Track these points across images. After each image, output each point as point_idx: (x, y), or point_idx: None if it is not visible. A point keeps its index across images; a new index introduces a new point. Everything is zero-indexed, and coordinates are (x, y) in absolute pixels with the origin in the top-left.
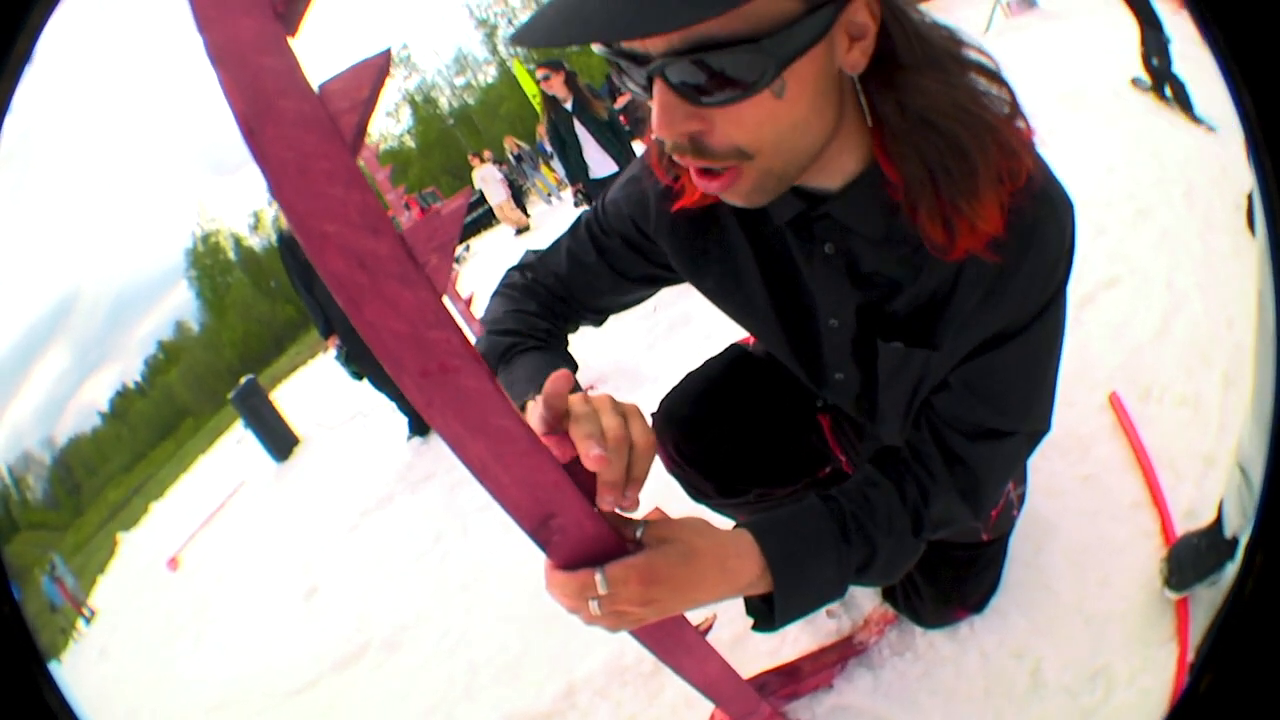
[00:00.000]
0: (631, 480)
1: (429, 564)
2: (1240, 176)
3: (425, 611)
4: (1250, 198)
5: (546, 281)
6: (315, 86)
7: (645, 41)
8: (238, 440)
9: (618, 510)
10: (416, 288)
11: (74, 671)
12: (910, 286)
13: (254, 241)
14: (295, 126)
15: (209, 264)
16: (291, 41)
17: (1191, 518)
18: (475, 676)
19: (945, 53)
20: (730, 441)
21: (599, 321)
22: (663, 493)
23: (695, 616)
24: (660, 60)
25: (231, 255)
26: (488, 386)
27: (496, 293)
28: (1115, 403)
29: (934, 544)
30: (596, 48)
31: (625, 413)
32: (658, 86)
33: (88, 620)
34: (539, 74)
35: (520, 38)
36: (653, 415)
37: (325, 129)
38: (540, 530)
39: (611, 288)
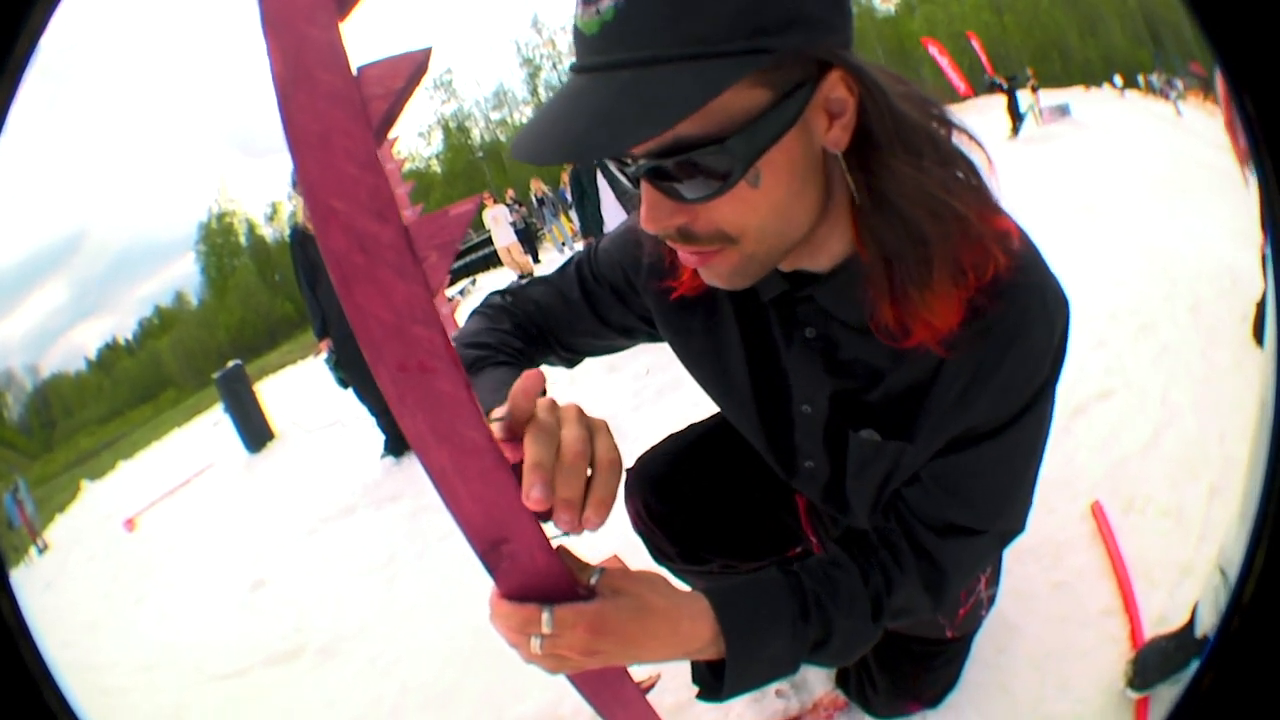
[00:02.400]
0: (592, 501)
1: (378, 581)
2: (1251, 287)
3: (367, 626)
4: (1259, 306)
5: (525, 309)
6: (355, 68)
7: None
8: (215, 423)
9: (575, 535)
10: (410, 281)
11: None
12: (890, 377)
13: (267, 232)
14: (327, 100)
15: (219, 243)
16: (340, 22)
17: (1162, 624)
18: (404, 699)
19: (924, 135)
20: (702, 508)
21: (570, 362)
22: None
23: (639, 673)
24: (641, 163)
25: (243, 240)
26: (462, 395)
27: (474, 312)
28: (1096, 512)
29: (895, 635)
30: None
31: (591, 427)
32: (643, 185)
33: (40, 551)
34: None
35: (515, 150)
36: (628, 471)
37: (354, 108)
38: (490, 553)
39: (589, 330)
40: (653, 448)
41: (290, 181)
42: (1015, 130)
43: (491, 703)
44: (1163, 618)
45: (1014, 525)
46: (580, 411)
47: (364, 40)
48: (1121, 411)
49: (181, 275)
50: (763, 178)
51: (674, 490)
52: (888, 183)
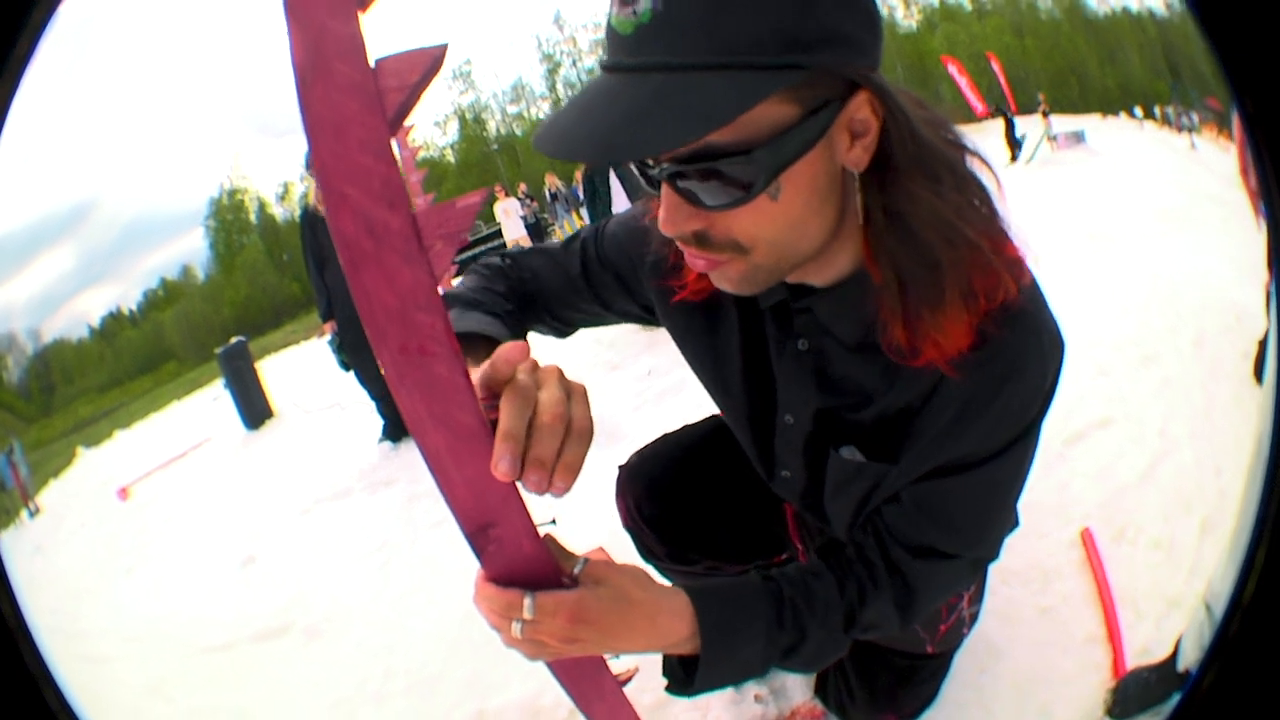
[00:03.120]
0: (560, 465)
1: (370, 566)
2: (1254, 324)
3: (355, 609)
4: (1261, 344)
5: (522, 274)
6: (372, 60)
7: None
8: (214, 398)
9: (540, 496)
10: (415, 267)
11: (6, 554)
12: (880, 399)
13: (278, 211)
14: (344, 90)
15: (229, 219)
16: (361, 14)
17: (1145, 655)
18: (388, 683)
19: (941, 161)
20: (691, 511)
21: (560, 332)
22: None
23: (617, 666)
24: (665, 166)
25: (253, 218)
26: (460, 380)
27: (470, 270)
28: (1087, 539)
29: (875, 648)
30: None
31: (570, 390)
32: (664, 189)
33: (32, 514)
34: None
35: (539, 142)
36: (620, 468)
37: (370, 99)
38: (478, 536)
39: (585, 308)
40: (645, 447)
41: (304, 163)
42: (1014, 157)
43: (474, 691)
44: (1146, 649)
45: (988, 553)
46: (561, 374)
47: (386, 29)
48: (1120, 441)
49: (189, 249)
50: (783, 191)
51: (665, 492)
52: (905, 205)
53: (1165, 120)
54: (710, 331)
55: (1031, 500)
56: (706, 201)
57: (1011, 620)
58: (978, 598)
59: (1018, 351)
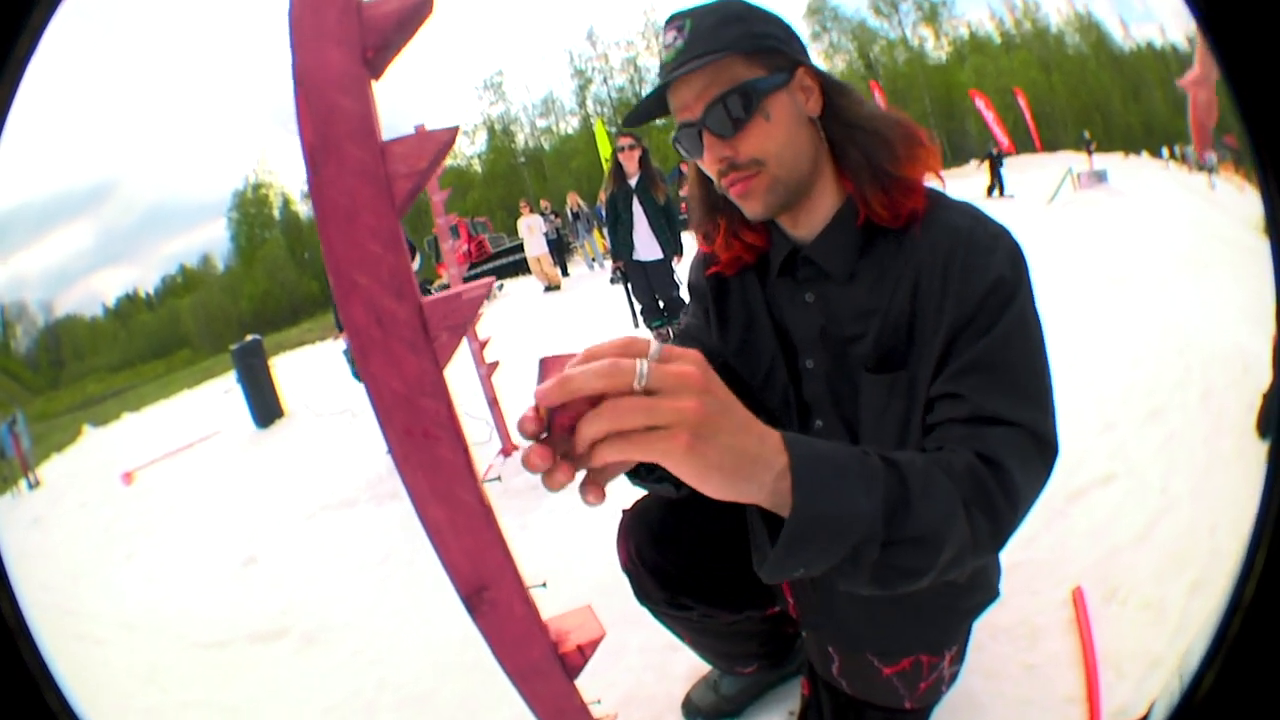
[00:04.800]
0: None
1: (371, 578)
2: (1260, 377)
3: (353, 620)
4: (1266, 397)
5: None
6: (381, 137)
7: (692, 110)
8: (226, 390)
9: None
10: (421, 356)
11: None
12: (879, 313)
13: (302, 209)
14: (355, 175)
15: (252, 213)
16: (373, 85)
17: (1122, 715)
18: (381, 695)
19: (861, 98)
20: (691, 561)
21: None
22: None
23: (598, 710)
24: (700, 117)
25: (276, 213)
26: (461, 460)
27: None
28: (1077, 598)
29: (854, 701)
30: (673, 137)
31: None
32: (705, 136)
33: (31, 486)
34: (621, 142)
35: (629, 115)
36: (624, 513)
37: (380, 187)
38: (473, 597)
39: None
40: (648, 495)
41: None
42: (990, 191)
43: (465, 711)
44: (1124, 709)
45: (1043, 423)
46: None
47: (421, 40)
48: (1120, 499)
49: (211, 239)
50: (772, 116)
51: (666, 540)
52: (848, 115)
53: (1184, 159)
54: (741, 295)
55: (1028, 557)
56: (728, 132)
57: (996, 676)
58: (959, 658)
59: (952, 216)
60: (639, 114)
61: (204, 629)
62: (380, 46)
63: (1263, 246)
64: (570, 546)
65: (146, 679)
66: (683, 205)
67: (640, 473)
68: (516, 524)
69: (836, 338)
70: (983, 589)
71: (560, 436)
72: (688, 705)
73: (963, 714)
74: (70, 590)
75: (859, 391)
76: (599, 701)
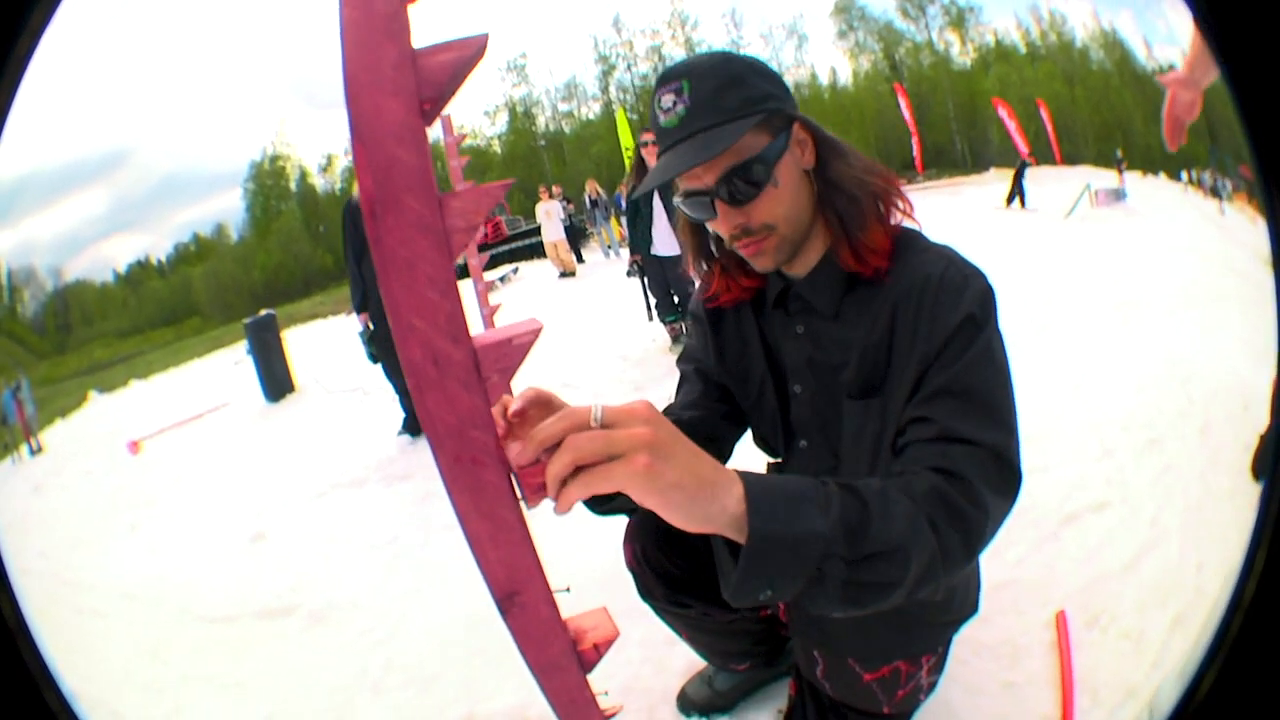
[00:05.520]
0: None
1: (380, 558)
2: (1259, 415)
3: (361, 600)
4: (1263, 438)
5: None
6: (437, 190)
7: (702, 180)
8: (236, 361)
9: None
10: (474, 394)
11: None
12: (859, 345)
13: (319, 182)
14: (414, 227)
15: (269, 184)
16: (428, 134)
17: None
18: (387, 676)
19: (848, 152)
20: (692, 561)
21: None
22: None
23: (605, 702)
24: (714, 187)
25: (293, 186)
26: (503, 484)
27: None
28: (1060, 622)
29: (835, 706)
30: (677, 199)
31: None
32: (718, 204)
33: (33, 452)
34: (645, 138)
35: (641, 187)
36: (631, 515)
37: (438, 238)
38: (505, 600)
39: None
40: None
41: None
42: (1009, 201)
43: (468, 694)
44: None
45: (1007, 447)
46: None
47: (447, 18)
48: (1111, 527)
49: (226, 208)
50: (780, 181)
51: (670, 543)
52: (831, 173)
53: (1199, 184)
54: (736, 325)
55: (1015, 577)
56: (742, 200)
57: (975, 691)
58: (938, 667)
59: (922, 259)
60: (646, 187)
61: (210, 604)
62: (436, 99)
63: (1268, 279)
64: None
65: (149, 653)
66: (621, 186)
67: (599, 500)
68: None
69: (823, 366)
70: (962, 604)
71: (532, 493)
72: (683, 699)
73: None
74: (70, 560)
75: (840, 416)
76: (606, 693)
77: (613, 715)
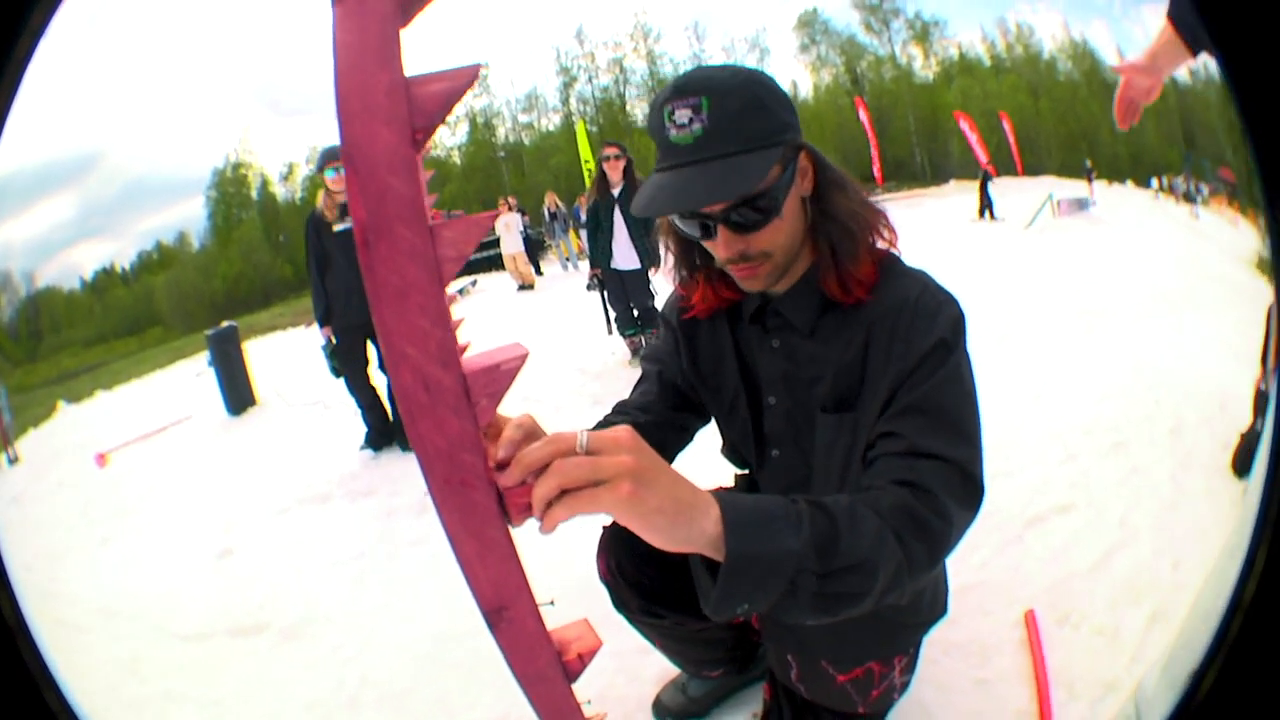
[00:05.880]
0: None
1: (348, 574)
2: (1239, 415)
3: (332, 616)
4: (1244, 436)
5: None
6: (429, 219)
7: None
8: (197, 373)
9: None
10: (463, 419)
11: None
12: (834, 363)
13: (280, 190)
14: (406, 256)
15: (231, 192)
16: (420, 162)
17: None
18: (363, 691)
19: (846, 183)
20: (665, 571)
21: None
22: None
23: (589, 710)
24: (720, 213)
25: (254, 194)
26: (492, 506)
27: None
28: (1029, 620)
29: (810, 707)
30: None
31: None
32: (720, 228)
33: (11, 461)
34: (607, 151)
35: (647, 208)
36: (604, 529)
37: (429, 266)
38: (494, 615)
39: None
40: None
41: (318, 163)
42: (981, 213)
43: (445, 708)
44: None
45: (971, 464)
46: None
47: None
48: (1077, 528)
49: (188, 216)
50: (784, 213)
51: (643, 556)
52: (829, 205)
53: (1170, 190)
54: (711, 335)
55: (981, 579)
56: (747, 229)
57: (948, 690)
58: (910, 667)
59: (901, 285)
60: (652, 212)
61: (183, 621)
62: (427, 128)
63: (1249, 282)
64: (542, 558)
65: (129, 669)
66: (581, 199)
67: None
68: None
69: (797, 380)
70: (931, 606)
71: (517, 513)
72: (657, 706)
73: None
74: (51, 572)
75: (814, 428)
76: (589, 702)
77: None
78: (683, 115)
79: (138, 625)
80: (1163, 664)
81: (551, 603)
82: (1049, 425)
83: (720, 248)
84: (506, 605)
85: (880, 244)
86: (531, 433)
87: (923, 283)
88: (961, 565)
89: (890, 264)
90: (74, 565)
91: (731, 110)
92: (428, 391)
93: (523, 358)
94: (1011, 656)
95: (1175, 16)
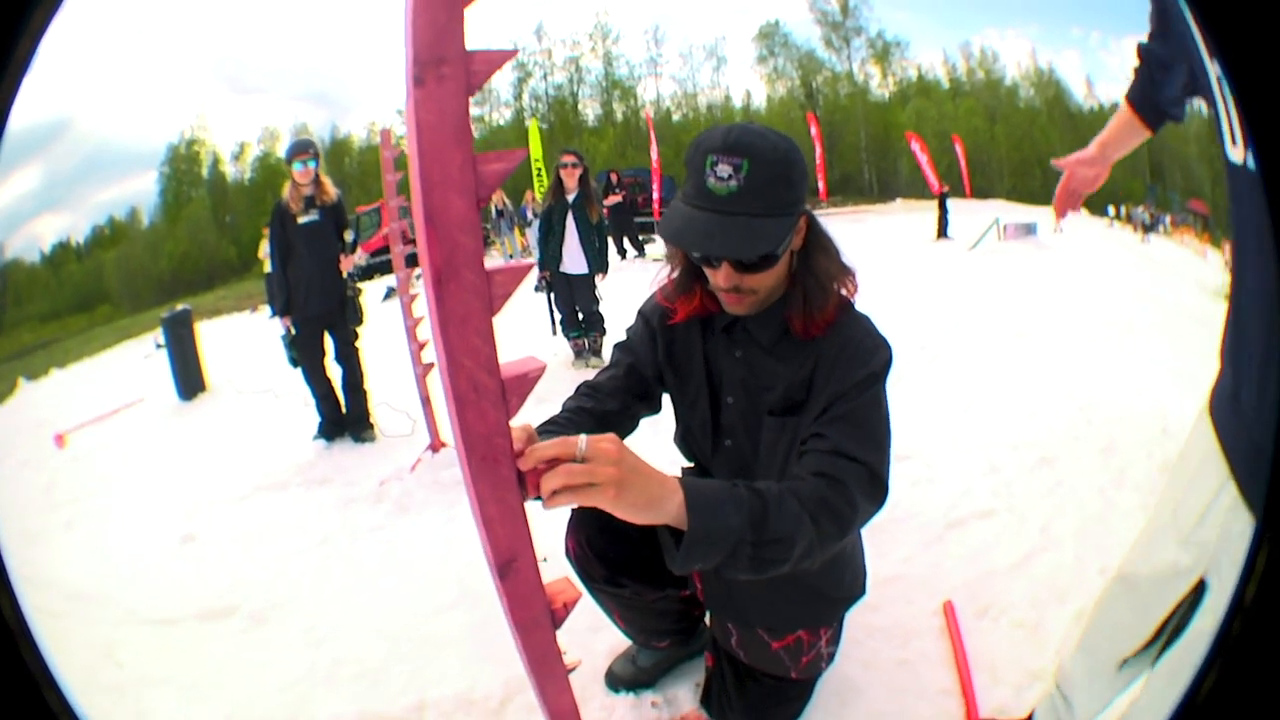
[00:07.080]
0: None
1: (311, 560)
2: (1180, 439)
3: (299, 599)
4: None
5: (611, 370)
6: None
7: None
8: (146, 355)
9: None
10: (499, 412)
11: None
12: (785, 378)
13: (230, 170)
14: (469, 293)
15: (183, 169)
16: (480, 221)
17: (1003, 713)
18: (337, 670)
19: (829, 247)
20: (629, 545)
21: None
22: None
23: (566, 658)
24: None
25: (205, 172)
26: (513, 478)
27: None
28: (948, 610)
29: (750, 670)
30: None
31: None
32: (725, 264)
33: None
34: (565, 159)
35: (677, 238)
36: (574, 511)
37: (484, 303)
38: (505, 566)
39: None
40: None
41: (287, 154)
42: (941, 232)
43: (417, 682)
44: (1003, 708)
45: (879, 466)
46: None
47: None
48: (998, 532)
49: (141, 192)
50: (780, 262)
51: (612, 531)
52: (812, 261)
53: (1129, 219)
54: (685, 337)
55: (903, 572)
56: (749, 271)
57: (871, 667)
58: (835, 639)
59: (851, 328)
60: (689, 247)
61: (153, 605)
62: (486, 196)
63: (1201, 309)
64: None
65: (104, 655)
66: (529, 198)
67: None
68: (444, 516)
69: (753, 386)
70: (852, 584)
71: (529, 489)
72: (610, 676)
73: (845, 694)
74: (22, 555)
75: (762, 426)
76: (566, 651)
77: (573, 668)
78: (725, 170)
79: (109, 610)
80: (1077, 642)
81: (544, 559)
82: (975, 438)
83: (720, 278)
84: (516, 558)
85: (844, 292)
86: (531, 436)
87: (866, 328)
88: (884, 560)
89: (845, 308)
90: (41, 549)
91: (766, 177)
92: (475, 391)
93: (543, 368)
94: (932, 641)
95: (1134, 98)
